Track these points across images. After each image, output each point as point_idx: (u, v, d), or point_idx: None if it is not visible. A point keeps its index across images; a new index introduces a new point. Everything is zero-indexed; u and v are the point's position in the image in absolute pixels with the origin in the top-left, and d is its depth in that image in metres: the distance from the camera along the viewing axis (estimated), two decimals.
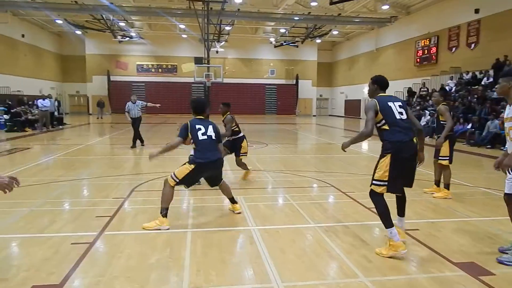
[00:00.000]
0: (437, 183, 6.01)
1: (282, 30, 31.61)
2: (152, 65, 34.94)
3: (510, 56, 16.86)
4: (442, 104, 5.85)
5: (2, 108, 18.25)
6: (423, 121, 16.96)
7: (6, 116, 17.64)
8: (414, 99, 21.83)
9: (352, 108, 34.60)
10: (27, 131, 16.76)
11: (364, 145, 12.86)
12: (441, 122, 5.84)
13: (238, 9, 25.04)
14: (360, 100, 32.38)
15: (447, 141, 5.71)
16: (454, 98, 17.68)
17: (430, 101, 18.73)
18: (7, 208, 5.02)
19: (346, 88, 36.19)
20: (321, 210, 5.11)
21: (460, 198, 5.78)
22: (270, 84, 36.38)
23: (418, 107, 19.52)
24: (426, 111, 17.87)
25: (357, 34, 33.44)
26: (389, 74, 27.51)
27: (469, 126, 14.17)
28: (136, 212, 4.93)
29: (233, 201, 4.97)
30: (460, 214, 4.99)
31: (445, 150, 5.72)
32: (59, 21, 28.63)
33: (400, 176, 3.56)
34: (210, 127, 4.54)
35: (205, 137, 4.45)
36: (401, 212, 3.88)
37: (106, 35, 30.61)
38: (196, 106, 4.65)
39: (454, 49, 21.30)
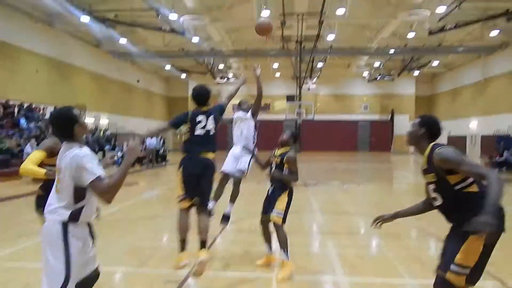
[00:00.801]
0: None
1: (377, 64, 30.86)
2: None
3: None
4: None
5: (119, 148, 20.59)
6: None
7: (120, 153, 19.91)
8: None
9: (456, 144, 31.53)
10: (136, 167, 18.64)
11: None
12: None
13: (331, 46, 25.25)
14: (466, 136, 29.49)
15: None
16: None
17: None
18: (113, 239, 5.53)
19: (449, 122, 33.31)
20: (419, 262, 4.63)
21: None
22: (363, 120, 35.35)
23: None
24: None
25: (461, 64, 30.96)
26: (500, 106, 24.81)
27: None
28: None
29: (203, 244, 3.84)
30: None
31: None
32: (168, 67, 32.04)
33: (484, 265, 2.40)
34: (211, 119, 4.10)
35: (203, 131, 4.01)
36: None
37: (206, 77, 33.28)
38: (197, 95, 4.28)
39: None
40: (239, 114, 5.67)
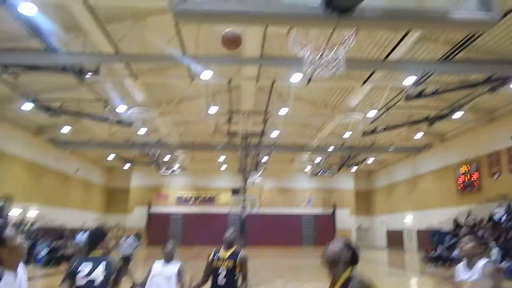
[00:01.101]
0: None
1: (318, 160, 32.66)
2: (191, 196, 36.16)
3: None
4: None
5: (45, 245, 18.70)
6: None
7: (43, 252, 17.97)
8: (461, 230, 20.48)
9: (394, 239, 32.79)
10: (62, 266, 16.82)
11: None
12: None
13: (275, 142, 26.61)
14: (403, 230, 30.86)
15: None
16: (506, 228, 16.47)
17: (480, 231, 17.55)
18: None
19: (386, 216, 35.00)
20: None
21: None
22: (306, 214, 35.99)
23: None
24: (494, 244, 15.35)
25: (393, 161, 33.79)
26: (430, 201, 26.75)
27: None
28: None
29: None
30: None
31: None
32: (111, 157, 31.32)
33: None
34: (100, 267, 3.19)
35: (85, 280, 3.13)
36: None
37: (151, 168, 32.81)
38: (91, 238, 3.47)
39: (497, 175, 20.75)
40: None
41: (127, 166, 33.41)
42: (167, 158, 31.92)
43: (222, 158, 32.23)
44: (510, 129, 19.38)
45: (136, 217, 34.88)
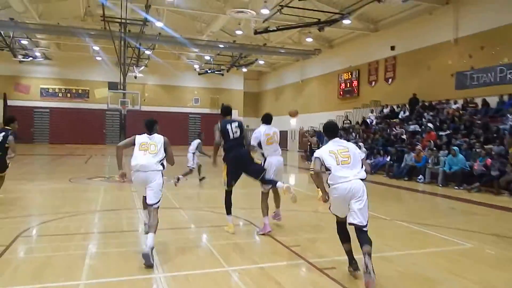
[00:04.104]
0: None
1: (207, 57, 32.06)
2: (60, 89, 33.01)
3: (418, 95, 18.87)
4: None
5: None
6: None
7: None
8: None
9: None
10: None
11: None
12: None
13: (159, 33, 24.94)
14: (287, 131, 33.60)
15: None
16: (375, 130, 19.12)
17: (353, 134, 20.07)
18: None
19: (274, 118, 37.31)
20: (237, 251, 5.02)
21: (376, 231, 6.10)
22: (194, 113, 36.31)
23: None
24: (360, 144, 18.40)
25: (283, 64, 35.14)
26: (314, 106, 29.21)
27: (388, 158, 15.32)
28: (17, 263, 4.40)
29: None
30: (375, 248, 5.23)
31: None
32: None
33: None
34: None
35: None
36: None
37: (4, 53, 28.39)
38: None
39: (374, 83, 23.29)
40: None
41: None
42: (25, 42, 27.80)
43: (96, 47, 29.27)
44: (391, 40, 21.38)
45: None
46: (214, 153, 5.97)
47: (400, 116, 19.18)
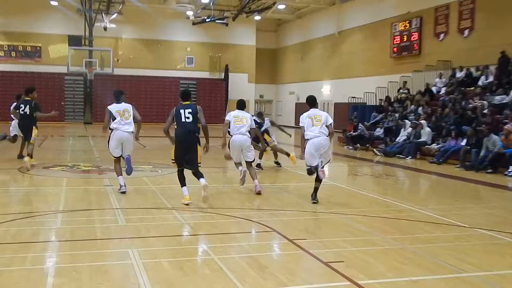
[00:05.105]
0: None
1: (205, 0, 31.81)
2: (1, 46, 33.25)
3: (509, 52, 18.43)
4: None
5: None
6: (402, 135, 17.84)
7: None
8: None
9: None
10: None
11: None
12: None
13: None
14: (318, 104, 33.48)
15: None
16: (444, 103, 18.89)
17: (412, 106, 19.88)
18: None
19: (297, 86, 37.22)
20: (256, 267, 5.03)
21: (452, 244, 6.05)
22: (186, 78, 36.29)
23: (397, 115, 20.39)
24: (407, 120, 18.74)
25: (313, 10, 34.71)
26: (356, 68, 28.93)
27: (463, 142, 15.11)
28: None
29: None
30: (450, 267, 5.20)
31: None
32: None
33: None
34: None
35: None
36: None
37: None
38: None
39: (442, 36, 22.90)
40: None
41: None
42: None
43: None
44: None
45: None
46: (169, 138, 8.17)
47: (480, 83, 18.90)
